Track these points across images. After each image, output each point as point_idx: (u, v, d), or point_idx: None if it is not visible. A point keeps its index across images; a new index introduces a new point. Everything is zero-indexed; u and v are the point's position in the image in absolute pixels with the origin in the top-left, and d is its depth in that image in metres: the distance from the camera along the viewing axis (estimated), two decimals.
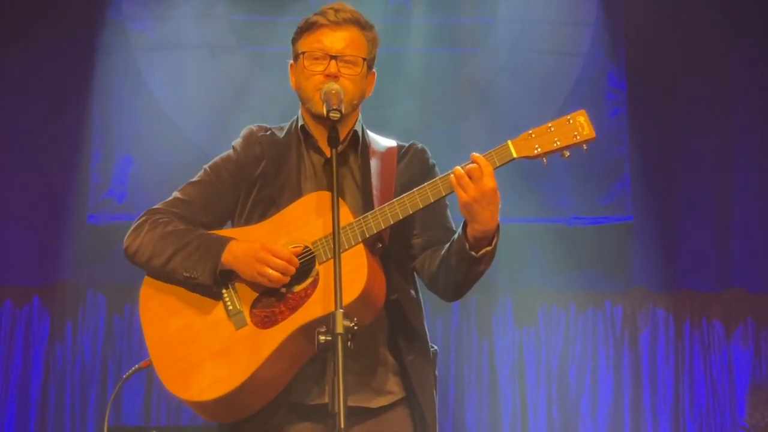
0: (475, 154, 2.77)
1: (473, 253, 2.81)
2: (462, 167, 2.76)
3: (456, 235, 2.87)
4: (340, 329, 2.53)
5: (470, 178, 2.73)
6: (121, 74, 6.87)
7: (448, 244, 2.92)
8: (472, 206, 2.75)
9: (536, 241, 6.88)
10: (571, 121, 2.81)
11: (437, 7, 7.05)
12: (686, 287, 6.94)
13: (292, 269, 2.84)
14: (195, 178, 3.11)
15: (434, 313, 6.80)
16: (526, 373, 6.89)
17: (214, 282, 2.91)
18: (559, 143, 2.79)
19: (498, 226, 2.80)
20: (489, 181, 2.73)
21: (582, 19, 7.05)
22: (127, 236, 3.04)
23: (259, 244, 2.85)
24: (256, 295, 2.90)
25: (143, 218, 3.05)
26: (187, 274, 2.92)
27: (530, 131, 2.81)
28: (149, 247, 2.98)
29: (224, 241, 2.92)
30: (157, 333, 2.96)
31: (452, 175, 2.76)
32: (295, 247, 2.90)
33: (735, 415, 6.76)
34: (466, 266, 2.85)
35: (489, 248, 2.82)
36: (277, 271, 2.82)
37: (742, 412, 6.74)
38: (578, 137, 2.80)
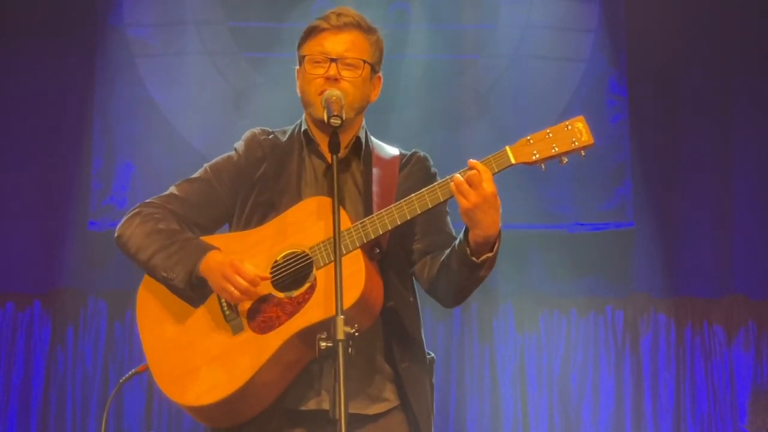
0: (473, 161, 2.77)
1: (474, 258, 2.81)
2: (461, 174, 2.76)
3: (457, 241, 2.87)
4: (341, 335, 2.53)
5: (470, 184, 2.74)
6: (122, 81, 6.87)
7: (448, 250, 2.92)
8: (474, 212, 2.74)
9: (537, 247, 6.87)
10: (569, 127, 2.80)
11: (438, 13, 7.04)
12: (687, 293, 6.93)
13: (255, 292, 2.83)
14: (194, 175, 3.12)
15: (435, 319, 6.79)
16: (528, 378, 6.88)
17: (188, 286, 2.91)
18: (557, 149, 2.79)
19: (499, 231, 2.81)
20: (489, 186, 2.73)
21: (583, 25, 7.05)
22: (119, 225, 3.05)
23: (229, 260, 2.85)
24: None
25: (136, 210, 3.06)
26: (164, 275, 2.92)
27: (528, 137, 2.81)
28: (137, 240, 2.99)
29: (205, 249, 2.92)
30: (154, 337, 2.97)
31: (452, 183, 2.76)
32: (291, 252, 2.90)
33: (736, 421, 6.76)
34: (467, 272, 2.85)
35: (490, 254, 2.83)
36: (237, 290, 2.82)
37: (743, 418, 6.73)
38: (576, 143, 2.79)
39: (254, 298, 2.85)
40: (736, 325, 6.91)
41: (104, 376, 6.73)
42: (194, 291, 2.93)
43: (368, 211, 2.95)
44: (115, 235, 3.05)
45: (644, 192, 6.95)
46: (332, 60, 2.98)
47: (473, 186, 2.73)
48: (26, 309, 6.79)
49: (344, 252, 2.80)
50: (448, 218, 3.10)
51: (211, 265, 2.88)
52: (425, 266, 3.02)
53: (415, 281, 3.10)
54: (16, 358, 6.74)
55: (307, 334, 2.74)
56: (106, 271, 6.63)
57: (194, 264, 2.90)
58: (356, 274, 2.79)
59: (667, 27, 6.98)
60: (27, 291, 6.80)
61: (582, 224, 6.94)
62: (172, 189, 3.10)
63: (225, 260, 2.86)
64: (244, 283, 2.82)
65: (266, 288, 2.88)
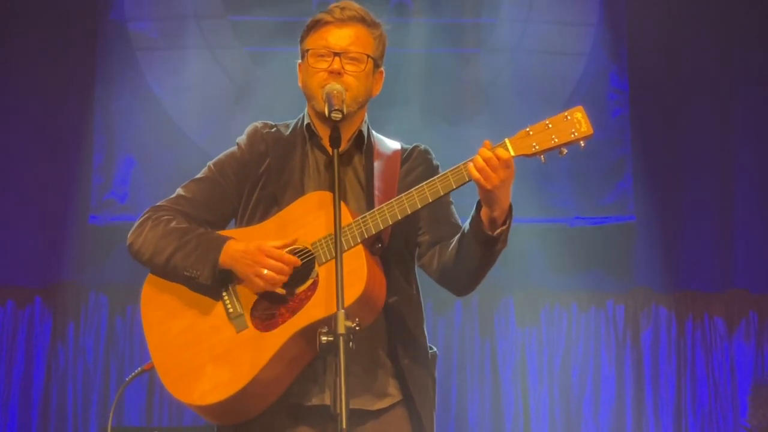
0: (488, 142, 2.77)
1: (490, 232, 2.81)
2: (481, 155, 2.75)
3: (467, 224, 2.87)
4: (342, 329, 2.53)
5: (490, 167, 2.74)
6: (123, 75, 6.87)
7: (459, 234, 2.91)
8: (494, 193, 2.76)
9: (538, 241, 6.86)
10: (568, 118, 2.77)
11: (439, 7, 7.03)
12: (689, 288, 6.93)
13: (287, 268, 2.82)
14: (199, 175, 3.11)
15: (436, 313, 6.79)
16: (529, 373, 6.88)
17: (214, 282, 2.90)
18: (556, 140, 2.76)
19: (510, 204, 2.83)
20: (507, 170, 2.75)
21: (584, 19, 7.04)
22: (130, 233, 3.04)
23: (254, 246, 2.84)
24: (256, 297, 2.89)
25: (146, 215, 3.05)
26: (188, 274, 2.91)
27: (528, 129, 2.79)
28: (151, 245, 2.98)
29: (221, 241, 2.91)
30: (159, 336, 2.96)
31: (473, 169, 2.75)
32: (293, 248, 2.89)
33: (737, 415, 6.76)
34: (484, 248, 2.85)
35: (504, 227, 2.84)
36: (272, 271, 2.81)
37: (744, 412, 6.73)
38: (576, 134, 2.76)
39: (287, 276, 2.82)
40: (737, 320, 6.91)
41: (105, 371, 6.73)
42: (219, 286, 2.92)
43: (370, 205, 2.93)
44: (127, 243, 3.03)
45: (645, 186, 6.94)
46: (336, 54, 2.97)
47: (493, 168, 2.74)
48: (27, 304, 6.79)
49: (345, 248, 2.79)
50: (453, 208, 3.10)
51: (234, 256, 2.87)
52: (434, 256, 3.01)
53: (418, 276, 3.09)
54: (17, 353, 6.74)
55: (310, 331, 2.72)
56: (107, 265, 6.63)
57: (215, 258, 2.89)
58: (358, 270, 2.78)
59: (668, 21, 6.98)
60: (28, 285, 6.80)
61: (583, 218, 6.93)
62: (179, 190, 3.09)
63: (249, 247, 2.85)
64: (275, 263, 2.81)
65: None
